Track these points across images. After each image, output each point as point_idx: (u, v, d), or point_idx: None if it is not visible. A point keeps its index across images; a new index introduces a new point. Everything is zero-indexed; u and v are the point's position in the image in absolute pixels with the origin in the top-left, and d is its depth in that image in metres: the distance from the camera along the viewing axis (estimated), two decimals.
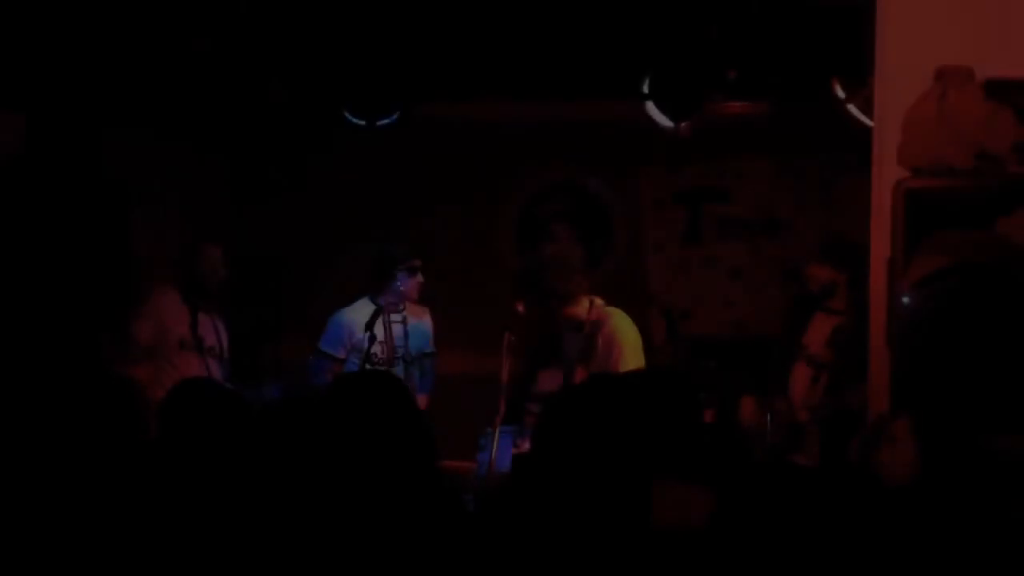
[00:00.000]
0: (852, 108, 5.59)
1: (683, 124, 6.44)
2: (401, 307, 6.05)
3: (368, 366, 5.75)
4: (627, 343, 4.95)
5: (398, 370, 5.89)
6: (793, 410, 5.87)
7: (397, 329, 6.03)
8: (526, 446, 4.64)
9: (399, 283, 5.89)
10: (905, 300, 3.48)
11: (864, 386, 4.47)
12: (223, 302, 6.37)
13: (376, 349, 5.84)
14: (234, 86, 6.63)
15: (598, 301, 5.05)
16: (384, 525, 2.77)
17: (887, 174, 3.91)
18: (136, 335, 5.89)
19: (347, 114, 7.08)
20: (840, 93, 5.64)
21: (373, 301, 5.96)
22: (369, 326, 5.71)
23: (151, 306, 6.01)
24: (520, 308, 5.71)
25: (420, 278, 5.95)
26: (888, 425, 3.32)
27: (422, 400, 5.84)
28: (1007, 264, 3.42)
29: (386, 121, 7.11)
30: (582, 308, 5.01)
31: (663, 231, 8.40)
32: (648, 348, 6.12)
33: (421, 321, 6.21)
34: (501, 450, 5.47)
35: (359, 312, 5.94)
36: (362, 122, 7.08)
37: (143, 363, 5.79)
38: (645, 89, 6.34)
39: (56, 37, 5.13)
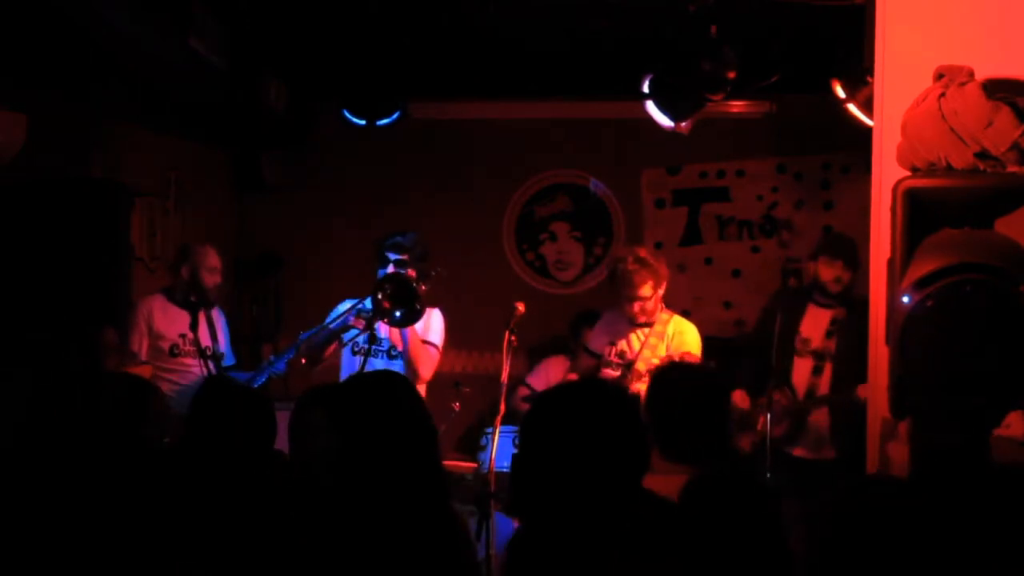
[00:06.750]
0: (852, 108, 5.59)
1: (683, 124, 6.43)
2: None
3: (355, 353, 5.81)
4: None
5: (377, 361, 5.85)
6: (795, 401, 5.89)
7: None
8: None
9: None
10: (905, 300, 3.47)
11: None
12: (223, 301, 6.35)
13: (360, 339, 5.84)
14: (234, 85, 6.62)
15: None
16: (389, 523, 2.78)
17: (887, 174, 3.91)
18: (133, 348, 5.96)
19: (347, 114, 7.08)
20: (840, 93, 5.63)
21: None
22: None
23: (139, 319, 6.06)
24: (520, 308, 5.71)
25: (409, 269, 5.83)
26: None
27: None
28: (1007, 264, 3.42)
29: (386, 121, 7.10)
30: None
31: (663, 231, 8.40)
32: None
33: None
34: (501, 449, 5.49)
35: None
36: (362, 122, 7.07)
37: (141, 366, 5.85)
38: (645, 89, 6.33)
39: (57, 36, 5.13)
